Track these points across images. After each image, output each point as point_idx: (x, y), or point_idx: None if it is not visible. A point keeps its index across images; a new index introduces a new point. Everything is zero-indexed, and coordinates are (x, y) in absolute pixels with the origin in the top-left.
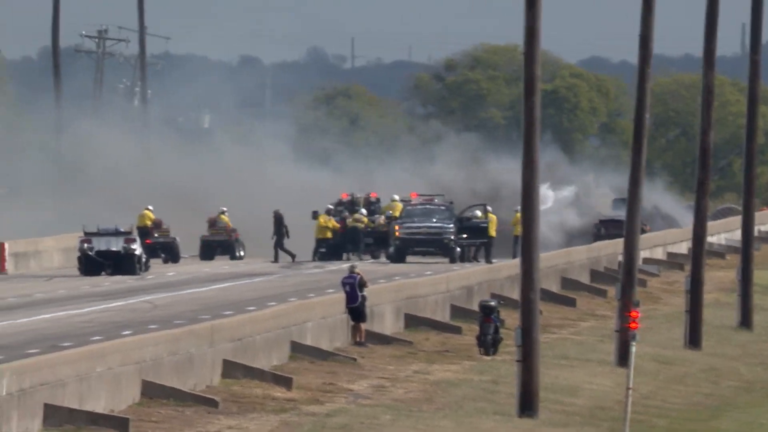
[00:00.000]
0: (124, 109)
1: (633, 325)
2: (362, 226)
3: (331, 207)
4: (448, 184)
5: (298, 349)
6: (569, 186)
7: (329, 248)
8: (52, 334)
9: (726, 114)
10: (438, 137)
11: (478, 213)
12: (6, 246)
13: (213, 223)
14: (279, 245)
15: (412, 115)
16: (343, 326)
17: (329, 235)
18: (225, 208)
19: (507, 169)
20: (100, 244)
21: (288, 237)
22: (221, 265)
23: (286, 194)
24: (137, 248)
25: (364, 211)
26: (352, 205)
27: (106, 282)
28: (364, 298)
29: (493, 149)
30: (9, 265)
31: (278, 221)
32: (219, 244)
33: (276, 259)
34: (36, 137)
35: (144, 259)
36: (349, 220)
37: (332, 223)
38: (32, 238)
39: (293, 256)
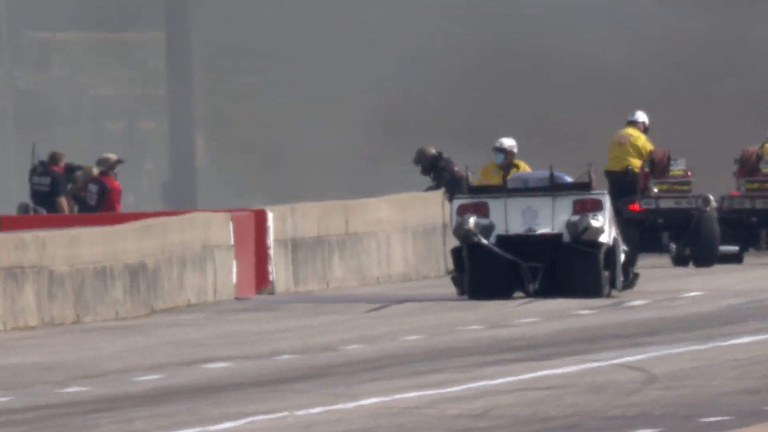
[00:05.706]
0: None
1: None
2: None
3: None
4: None
5: None
6: None
7: None
8: None
9: None
10: None
11: None
12: (269, 219)
13: (754, 163)
14: None
15: None
16: None
17: None
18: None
19: None
20: (513, 219)
21: None
22: None
23: None
24: (604, 228)
25: None
26: None
27: (526, 313)
28: None
29: None
30: (278, 270)
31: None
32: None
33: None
34: None
35: (624, 255)
36: None
37: None
38: (329, 200)
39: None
